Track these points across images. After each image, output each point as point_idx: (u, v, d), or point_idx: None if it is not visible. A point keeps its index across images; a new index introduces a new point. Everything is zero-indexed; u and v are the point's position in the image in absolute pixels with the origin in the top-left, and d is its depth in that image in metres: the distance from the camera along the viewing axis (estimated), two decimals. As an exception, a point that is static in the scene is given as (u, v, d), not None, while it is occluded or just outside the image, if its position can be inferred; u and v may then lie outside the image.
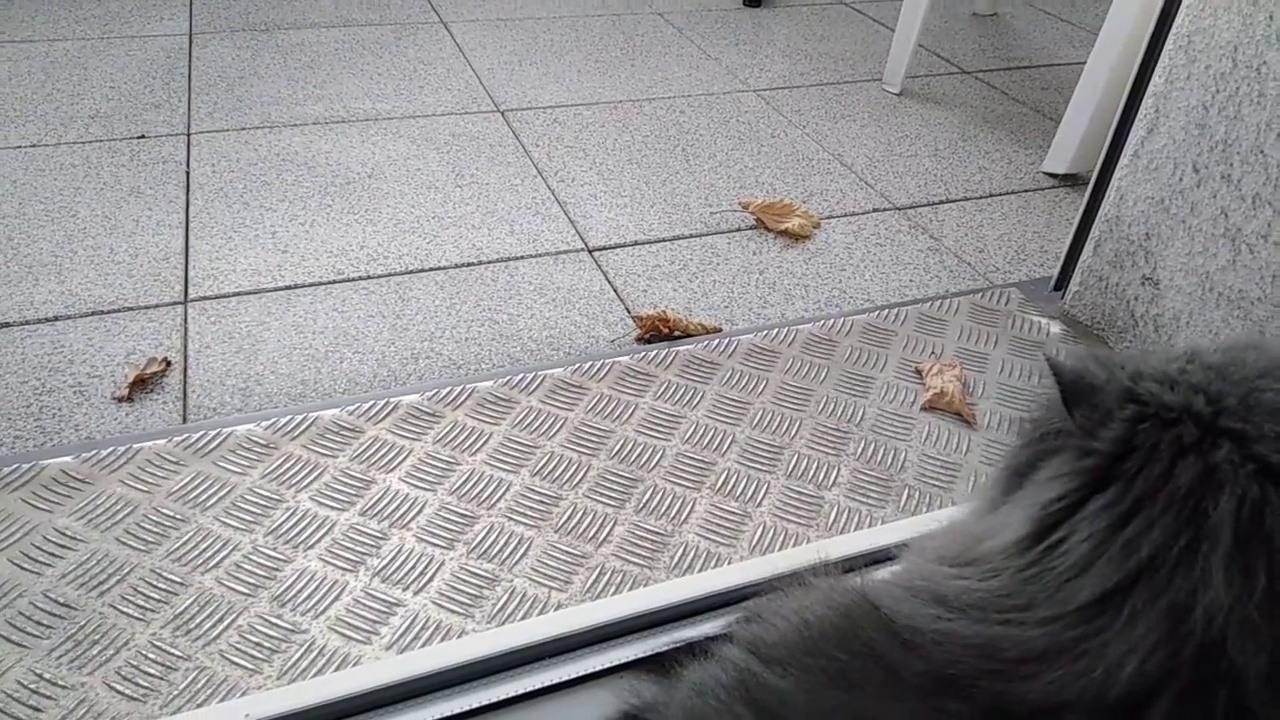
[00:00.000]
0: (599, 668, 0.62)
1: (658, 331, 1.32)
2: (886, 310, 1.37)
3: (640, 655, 0.62)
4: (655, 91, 2.09)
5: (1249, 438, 0.44)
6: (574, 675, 0.61)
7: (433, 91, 2.01)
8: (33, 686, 0.81)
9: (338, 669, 0.80)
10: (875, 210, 1.68)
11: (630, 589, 0.86)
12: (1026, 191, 1.77)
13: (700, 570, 0.91)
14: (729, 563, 0.93)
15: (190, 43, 2.15)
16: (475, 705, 0.58)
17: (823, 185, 1.75)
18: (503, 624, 0.84)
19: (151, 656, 0.85)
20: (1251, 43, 1.04)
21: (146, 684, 0.82)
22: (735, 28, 2.49)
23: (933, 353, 1.28)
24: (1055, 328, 1.34)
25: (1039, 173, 1.85)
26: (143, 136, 1.75)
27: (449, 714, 0.57)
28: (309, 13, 2.37)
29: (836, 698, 0.47)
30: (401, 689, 0.58)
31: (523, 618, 0.85)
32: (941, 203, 1.72)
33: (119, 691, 0.82)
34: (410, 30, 2.32)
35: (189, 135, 1.77)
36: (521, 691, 0.60)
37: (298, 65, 2.08)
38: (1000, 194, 1.76)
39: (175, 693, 0.82)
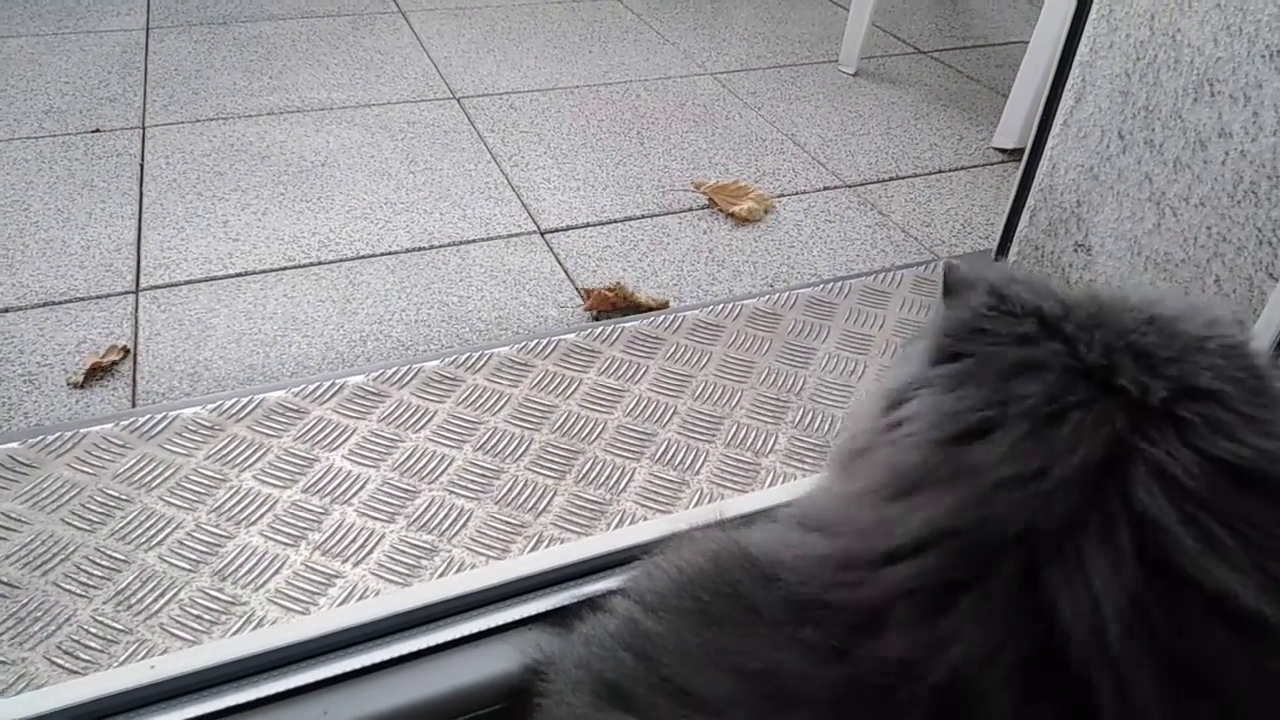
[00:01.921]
0: (504, 622, 0.64)
1: (607, 304, 1.34)
2: (831, 284, 1.39)
3: (544, 610, 0.64)
4: (612, 76, 2.11)
5: (1079, 341, 0.46)
6: (481, 629, 0.63)
7: (389, 80, 2.02)
8: (-27, 662, 0.82)
9: (275, 638, 0.82)
10: (826, 188, 1.71)
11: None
12: (976, 167, 1.80)
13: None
14: (663, 528, 0.95)
15: (147, 37, 2.15)
16: (385, 658, 0.60)
17: (775, 165, 1.77)
18: (437, 591, 0.85)
19: (93, 631, 0.86)
20: (1166, 10, 1.06)
21: (88, 657, 0.84)
22: (695, 12, 2.51)
23: (877, 325, 1.31)
24: (995, 297, 1.36)
25: (989, 148, 1.87)
26: (97, 130, 1.75)
27: (360, 666, 0.59)
28: (267, 5, 2.37)
29: (701, 635, 0.49)
30: (314, 645, 0.60)
31: (459, 585, 0.88)
32: (891, 179, 1.74)
33: (60, 665, 0.83)
34: (368, 20, 2.33)
35: (144, 129, 1.77)
36: (428, 645, 0.62)
37: (254, 57, 2.08)
38: (950, 170, 1.79)
39: (115, 664, 0.83)
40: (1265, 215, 1.00)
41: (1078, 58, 1.19)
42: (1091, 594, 0.40)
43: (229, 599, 0.89)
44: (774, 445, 1.10)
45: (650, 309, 1.35)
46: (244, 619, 0.87)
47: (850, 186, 1.71)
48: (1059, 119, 1.23)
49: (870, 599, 0.44)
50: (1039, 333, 0.48)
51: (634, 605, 0.53)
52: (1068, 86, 1.21)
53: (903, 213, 1.64)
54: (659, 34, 2.35)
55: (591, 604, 0.58)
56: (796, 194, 1.68)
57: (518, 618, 0.66)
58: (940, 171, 1.78)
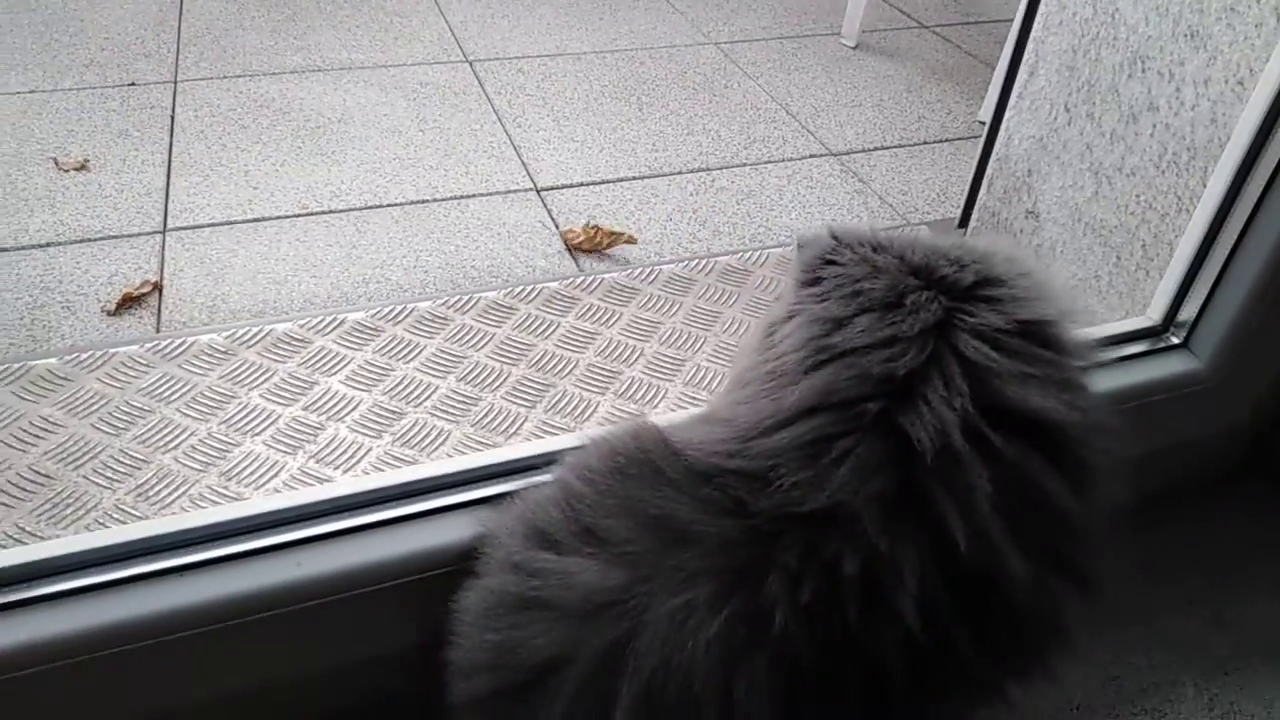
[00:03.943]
0: (464, 500, 0.75)
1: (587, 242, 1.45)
2: (802, 244, 1.49)
3: (500, 492, 0.76)
4: (620, 44, 2.20)
5: (904, 254, 0.58)
6: (444, 505, 0.75)
7: (406, 43, 2.13)
8: (16, 537, 0.96)
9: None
10: (811, 156, 1.79)
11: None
12: (959, 139, 1.87)
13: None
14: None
15: (182, -3, 2.28)
16: (355, 524, 0.72)
17: (765, 133, 1.86)
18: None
19: (116, 517, 1.00)
20: (1108, -9, 1.14)
21: (115, 527, 0.97)
22: (706, -17, 2.58)
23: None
24: (955, 260, 1.45)
25: (975, 121, 1.94)
26: (133, 84, 1.88)
27: (331, 530, 0.71)
28: (296, -32, 2.48)
29: (614, 488, 0.60)
30: (292, 512, 0.72)
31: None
32: (876, 149, 1.83)
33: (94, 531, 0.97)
34: (391, -15, 2.43)
35: (175, 84, 1.90)
36: (396, 516, 0.73)
37: (281, 18, 2.20)
38: (934, 141, 1.86)
39: (134, 545, 0.97)
40: (1184, 184, 1.09)
41: (1032, 33, 1.26)
42: (938, 421, 0.51)
43: (233, 495, 1.02)
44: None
45: (620, 236, 1.45)
46: (245, 512, 1.00)
47: (835, 155, 1.80)
48: (1015, 92, 1.31)
49: (761, 460, 0.55)
50: (873, 253, 0.59)
51: (567, 470, 0.64)
52: (1023, 61, 1.29)
53: (882, 181, 1.72)
54: (668, 2, 2.43)
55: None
56: (782, 161, 1.77)
57: (476, 496, 0.78)
58: (924, 143, 1.85)
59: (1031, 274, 0.59)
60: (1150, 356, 0.98)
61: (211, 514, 0.72)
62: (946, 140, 1.87)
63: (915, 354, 0.53)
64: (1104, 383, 0.95)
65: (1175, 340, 1.00)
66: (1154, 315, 1.01)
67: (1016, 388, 0.52)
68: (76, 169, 1.60)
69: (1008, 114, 1.33)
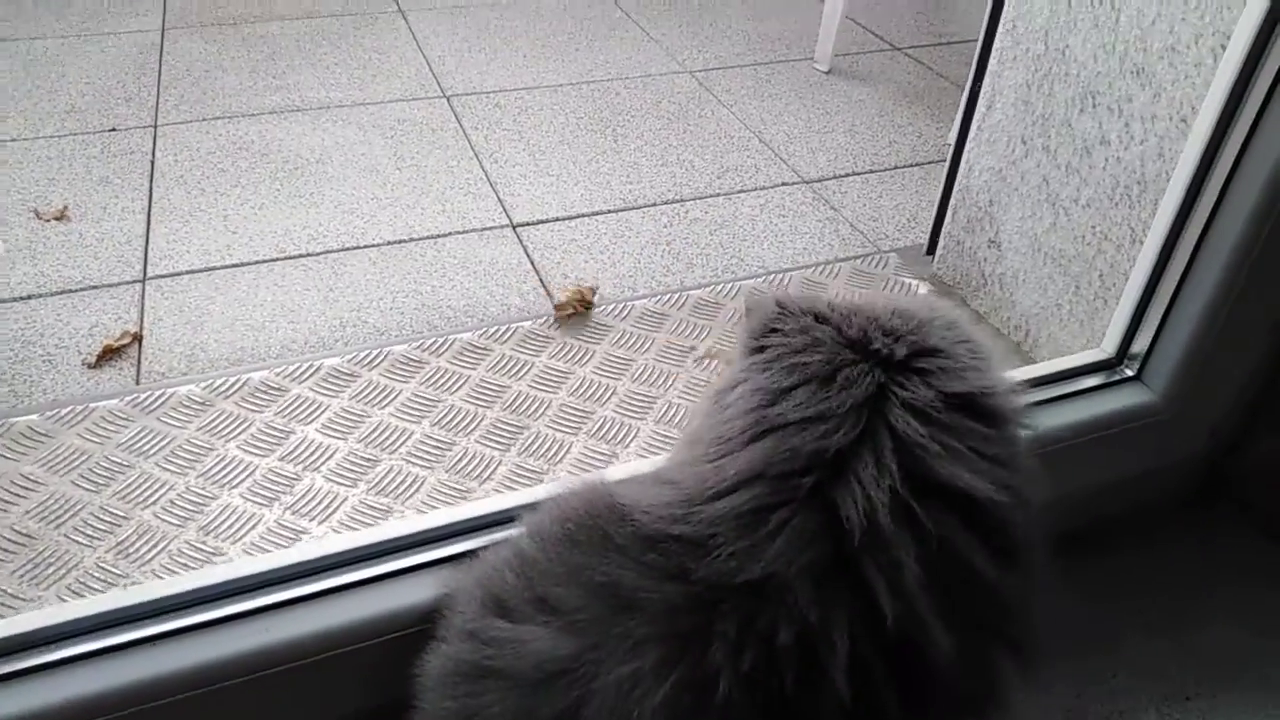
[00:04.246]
0: (426, 560, 0.77)
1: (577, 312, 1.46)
2: (773, 276, 1.51)
3: (461, 551, 0.78)
4: (595, 74, 2.22)
5: (843, 325, 0.61)
6: (406, 565, 0.77)
7: (384, 79, 2.15)
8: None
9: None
10: (784, 184, 1.82)
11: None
12: (930, 163, 1.90)
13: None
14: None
15: (162, 38, 2.30)
16: (321, 589, 0.74)
17: (739, 162, 1.89)
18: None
19: (96, 575, 1.01)
20: (1058, 28, 1.17)
21: (90, 597, 0.99)
22: (681, 8, 2.61)
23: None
24: (924, 288, 1.48)
25: (945, 144, 1.97)
26: (114, 129, 1.91)
27: (297, 595, 0.73)
28: (276, 5, 2.51)
29: (565, 557, 0.62)
30: (258, 578, 0.74)
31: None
32: (847, 175, 1.85)
33: (67, 603, 0.98)
34: (369, 20, 2.46)
35: (156, 127, 1.92)
36: (360, 579, 0.75)
37: (260, 57, 2.23)
38: (905, 166, 1.89)
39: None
40: (1137, 216, 1.11)
41: (989, 68, 1.29)
42: (866, 497, 0.53)
43: (211, 550, 1.04)
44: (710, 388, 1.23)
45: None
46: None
47: (807, 182, 1.83)
48: (975, 124, 1.34)
49: (703, 528, 0.57)
50: (814, 323, 0.62)
51: (522, 534, 0.66)
52: (981, 94, 1.31)
53: (853, 208, 1.75)
54: (644, 31, 2.46)
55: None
56: (755, 190, 1.80)
57: (440, 556, 0.80)
58: (895, 168, 1.88)
59: (968, 342, 0.61)
60: (1105, 390, 1.01)
61: (182, 582, 0.74)
62: (916, 164, 1.89)
63: (847, 430, 0.55)
64: (1059, 418, 0.98)
65: (1129, 373, 1.02)
66: (1108, 348, 1.04)
67: (945, 464, 0.54)
68: (57, 218, 1.62)
69: (968, 146, 1.36)
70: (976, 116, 1.33)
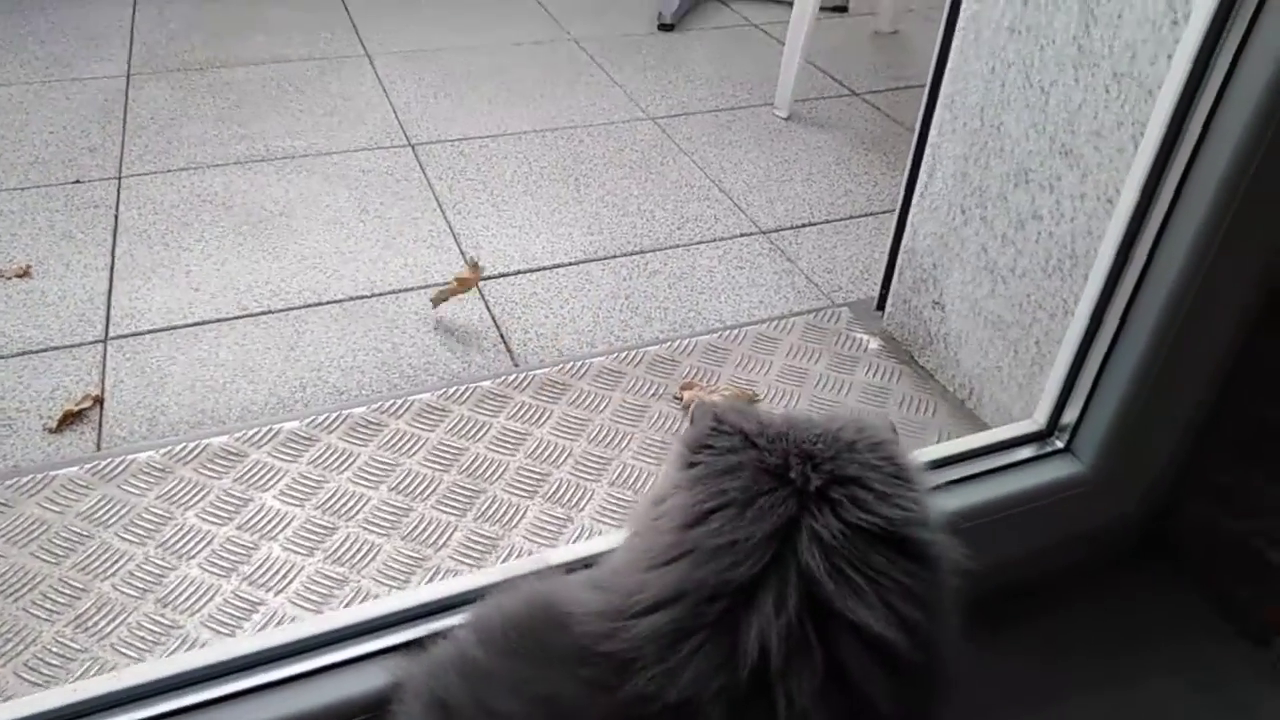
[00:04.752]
0: (374, 649, 0.80)
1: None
2: (729, 331, 1.55)
3: (408, 639, 0.80)
4: (559, 121, 2.26)
5: (766, 450, 0.63)
6: (354, 655, 0.79)
7: (350, 127, 2.18)
8: (-48, 678, 0.99)
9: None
10: (742, 235, 1.86)
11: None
12: (884, 213, 1.95)
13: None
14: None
15: (128, 84, 2.32)
16: (264, 681, 0.76)
17: (698, 212, 1.93)
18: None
19: (55, 650, 1.03)
20: (992, 105, 1.21)
21: (50, 673, 1.01)
22: (646, 54, 2.66)
23: (763, 371, 1.47)
24: (874, 344, 1.52)
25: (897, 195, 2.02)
26: (78, 181, 1.92)
27: (241, 688, 0.75)
28: (243, 50, 2.53)
29: (506, 666, 0.65)
30: (228, 665, 0.76)
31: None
32: (804, 226, 1.90)
33: (26, 680, 1.00)
34: (336, 65, 2.48)
35: (120, 179, 1.93)
36: (308, 669, 0.78)
37: (226, 105, 2.25)
38: (860, 216, 1.94)
39: (73, 679, 1.00)
40: (1069, 289, 1.16)
41: (930, 138, 1.34)
42: (763, 628, 0.56)
43: (169, 623, 1.06)
44: (653, 484, 1.26)
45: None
46: (180, 640, 1.04)
47: (765, 233, 1.87)
48: (918, 189, 1.39)
49: (625, 646, 0.60)
50: (741, 445, 0.65)
51: (468, 634, 0.69)
52: (923, 162, 1.36)
53: (809, 259, 1.79)
54: (609, 77, 2.50)
55: (446, 634, 0.73)
56: (714, 241, 1.84)
57: (387, 644, 0.82)
58: (850, 218, 1.93)
59: (889, 468, 0.63)
60: (1035, 462, 1.05)
61: (125, 677, 0.75)
62: (871, 214, 1.94)
63: (755, 561, 0.58)
64: (991, 492, 1.02)
65: (1059, 444, 1.06)
66: (1039, 419, 1.08)
67: (842, 598, 0.57)
68: (19, 276, 1.63)
69: (912, 210, 1.41)
70: (919, 183, 1.38)
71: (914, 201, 1.40)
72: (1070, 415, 1.06)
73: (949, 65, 1.28)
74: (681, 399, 1.39)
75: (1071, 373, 1.05)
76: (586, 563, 0.82)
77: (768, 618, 0.56)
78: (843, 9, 3.01)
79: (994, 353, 1.30)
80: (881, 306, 1.55)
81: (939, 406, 1.39)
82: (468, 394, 1.39)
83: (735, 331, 1.55)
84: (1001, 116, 1.20)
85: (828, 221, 1.91)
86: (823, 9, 2.42)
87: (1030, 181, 1.18)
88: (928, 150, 1.34)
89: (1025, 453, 1.06)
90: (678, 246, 1.82)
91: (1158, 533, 1.16)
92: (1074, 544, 1.11)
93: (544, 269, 1.73)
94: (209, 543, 1.15)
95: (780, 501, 0.60)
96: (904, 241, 1.44)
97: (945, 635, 0.62)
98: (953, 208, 1.32)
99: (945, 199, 1.33)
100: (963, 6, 1.23)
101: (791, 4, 2.26)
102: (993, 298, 1.28)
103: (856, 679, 0.56)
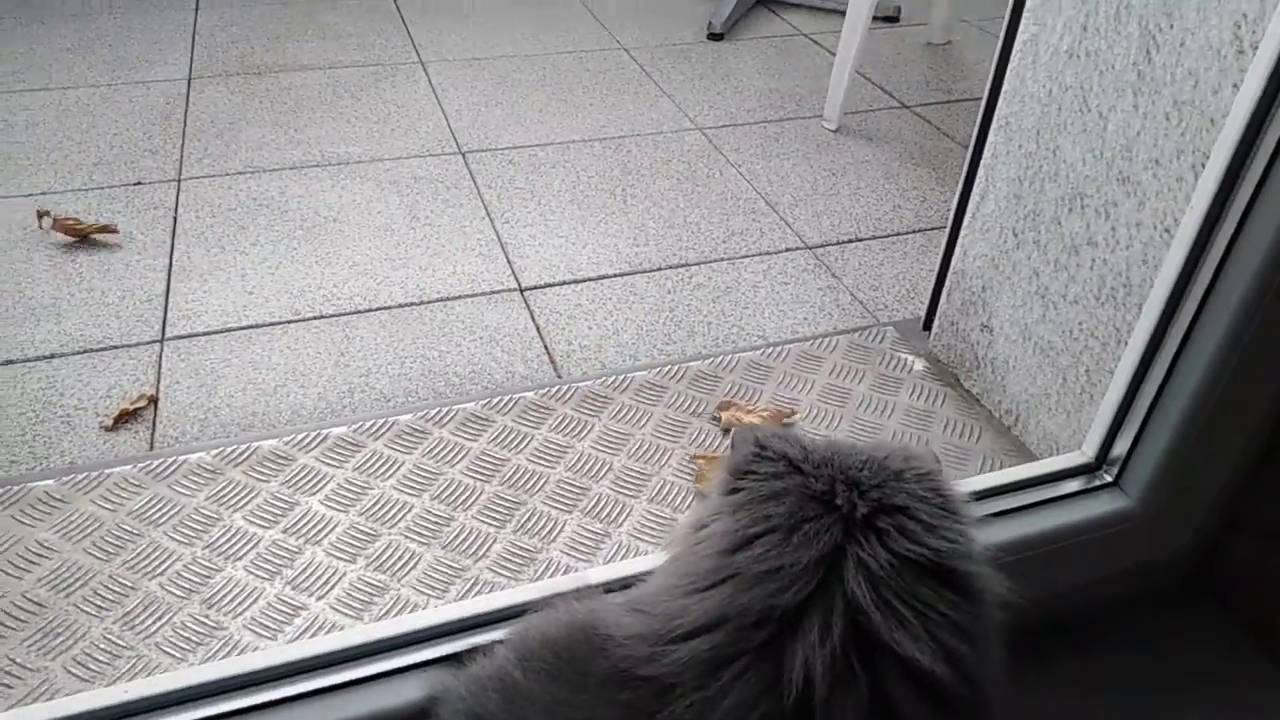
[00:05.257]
0: (415, 661, 0.81)
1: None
2: (772, 348, 1.54)
3: (445, 654, 0.81)
4: (608, 131, 2.27)
5: (812, 476, 0.63)
6: (394, 667, 0.81)
7: (402, 134, 2.21)
8: (5, 669, 1.02)
9: (246, 660, 1.00)
10: (787, 249, 1.85)
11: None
12: (932, 229, 1.92)
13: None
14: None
15: (189, 88, 2.38)
16: (311, 688, 0.78)
17: (744, 225, 1.92)
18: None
19: (102, 647, 1.06)
20: (1049, 128, 1.19)
21: (96, 669, 1.03)
22: (695, 63, 2.66)
23: (805, 390, 1.46)
24: (919, 365, 1.50)
25: (948, 211, 1.99)
26: (139, 183, 1.97)
27: (283, 695, 0.76)
28: (300, 55, 2.59)
29: (546, 688, 0.65)
30: (271, 672, 0.77)
31: (402, 620, 1.05)
32: (850, 241, 1.88)
33: (74, 674, 1.03)
34: (390, 71, 2.52)
35: (179, 181, 1.98)
36: (348, 679, 0.79)
37: (283, 109, 2.29)
38: (907, 232, 1.92)
39: (118, 676, 1.03)
40: (1122, 318, 1.13)
41: (983, 160, 1.32)
42: (808, 656, 0.56)
43: (212, 624, 1.08)
44: (692, 503, 1.26)
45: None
46: (223, 642, 1.06)
47: (810, 248, 1.86)
48: (969, 211, 1.37)
49: (665, 671, 0.60)
50: (786, 470, 0.65)
51: (509, 654, 0.69)
52: (975, 183, 1.34)
53: (854, 276, 1.78)
54: (658, 86, 2.51)
55: (485, 650, 0.74)
56: (759, 255, 1.83)
57: (426, 657, 0.83)
58: (897, 234, 1.91)
59: (936, 499, 0.62)
60: (1083, 496, 1.03)
61: (163, 681, 0.77)
62: (919, 230, 1.92)
63: (800, 588, 0.57)
64: (1037, 525, 1.01)
65: (1108, 478, 1.04)
66: (1088, 451, 1.06)
67: (887, 629, 0.56)
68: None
69: (963, 231, 1.39)
70: (971, 204, 1.36)
71: (965, 223, 1.38)
72: (1120, 448, 1.04)
73: (1004, 88, 1.26)
74: (719, 419, 1.39)
75: (1123, 405, 1.03)
76: (625, 583, 0.82)
77: (812, 646, 0.55)
78: (894, 19, 2.98)
79: (1042, 379, 1.28)
80: (928, 327, 1.53)
81: (984, 432, 1.37)
82: (511, 404, 1.40)
83: (778, 349, 1.54)
84: (1057, 140, 1.18)
85: (875, 238, 1.90)
86: (874, 19, 2.40)
87: (1085, 207, 1.16)
88: (980, 171, 1.33)
89: (1073, 485, 1.04)
90: (723, 260, 1.81)
91: (1205, 569, 1.13)
92: (1118, 579, 1.08)
93: (589, 280, 1.74)
94: (255, 545, 1.17)
95: (826, 528, 0.59)
96: (954, 263, 1.42)
97: (989, 669, 0.61)
98: (1005, 230, 1.30)
99: (997, 221, 1.31)
100: (1020, 29, 1.21)
101: (843, 13, 2.25)
102: (1043, 323, 1.26)
103: (902, 712, 0.55)
